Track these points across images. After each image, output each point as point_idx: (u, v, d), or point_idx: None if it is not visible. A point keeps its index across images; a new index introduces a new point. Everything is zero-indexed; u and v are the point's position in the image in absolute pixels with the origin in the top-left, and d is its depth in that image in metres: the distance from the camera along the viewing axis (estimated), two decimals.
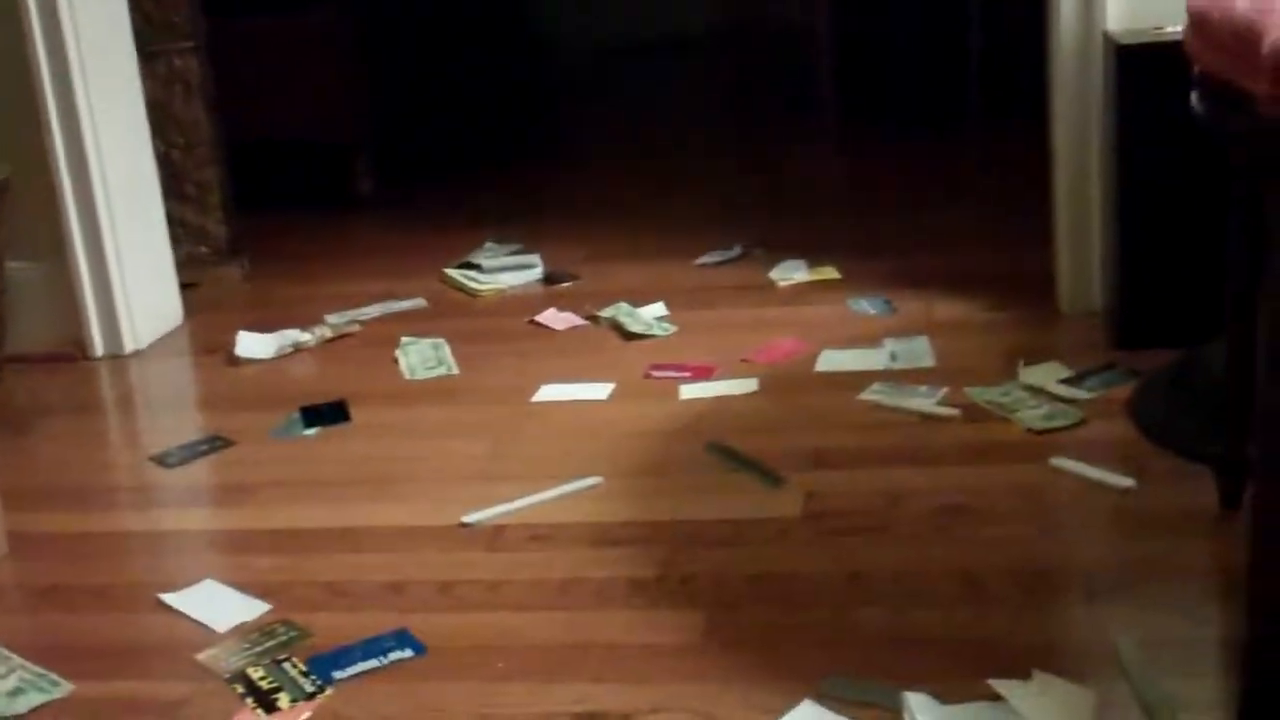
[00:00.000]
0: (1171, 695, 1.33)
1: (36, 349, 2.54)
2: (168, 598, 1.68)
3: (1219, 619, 1.47)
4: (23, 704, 1.49)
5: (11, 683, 1.52)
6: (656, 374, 2.25)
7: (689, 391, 2.17)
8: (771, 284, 2.64)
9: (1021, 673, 1.38)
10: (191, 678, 1.53)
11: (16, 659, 1.57)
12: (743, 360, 2.27)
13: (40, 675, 1.54)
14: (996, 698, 1.35)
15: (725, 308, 2.55)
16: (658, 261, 2.83)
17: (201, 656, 1.56)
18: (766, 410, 2.09)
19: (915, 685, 1.36)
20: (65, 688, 1.52)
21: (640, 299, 2.56)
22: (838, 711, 1.36)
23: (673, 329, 2.45)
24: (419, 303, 2.71)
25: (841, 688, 1.39)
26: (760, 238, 2.89)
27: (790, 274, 2.67)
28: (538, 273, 2.81)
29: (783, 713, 1.36)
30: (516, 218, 3.22)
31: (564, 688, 1.44)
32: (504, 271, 2.81)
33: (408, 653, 1.54)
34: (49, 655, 1.58)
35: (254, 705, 1.46)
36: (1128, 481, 1.75)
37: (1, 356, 2.46)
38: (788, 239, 2.87)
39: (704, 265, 2.80)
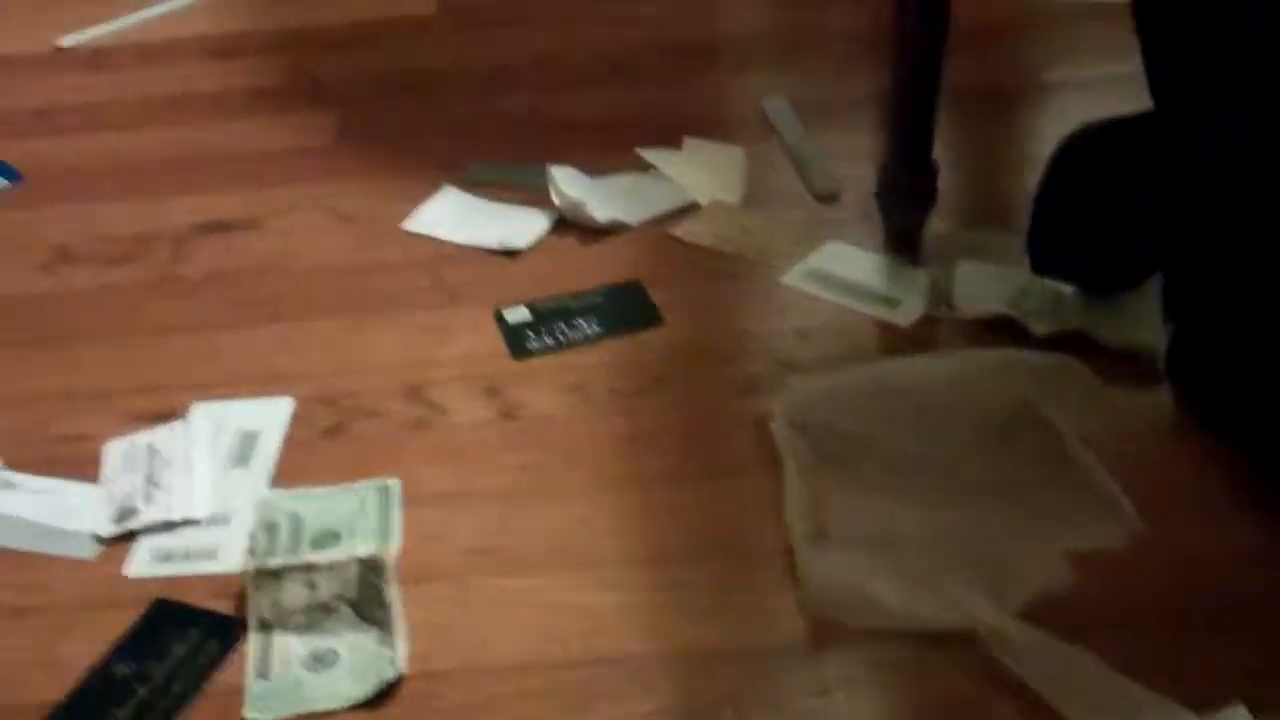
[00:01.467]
0: (820, 147, 1.29)
1: None
2: None
3: (867, 79, 1.42)
4: None
5: None
6: None
7: None
8: None
9: (673, 143, 1.32)
10: None
11: None
12: None
13: None
14: (647, 167, 1.28)
15: None
16: None
17: None
18: None
19: (562, 162, 1.27)
20: None
21: None
22: (482, 196, 1.27)
23: None
24: None
25: (485, 172, 1.30)
26: None
27: None
28: None
29: (423, 201, 1.26)
30: None
31: (180, 201, 1.30)
32: None
33: (1, 182, 1.36)
34: None
35: None
36: None
37: None
38: None
39: None
